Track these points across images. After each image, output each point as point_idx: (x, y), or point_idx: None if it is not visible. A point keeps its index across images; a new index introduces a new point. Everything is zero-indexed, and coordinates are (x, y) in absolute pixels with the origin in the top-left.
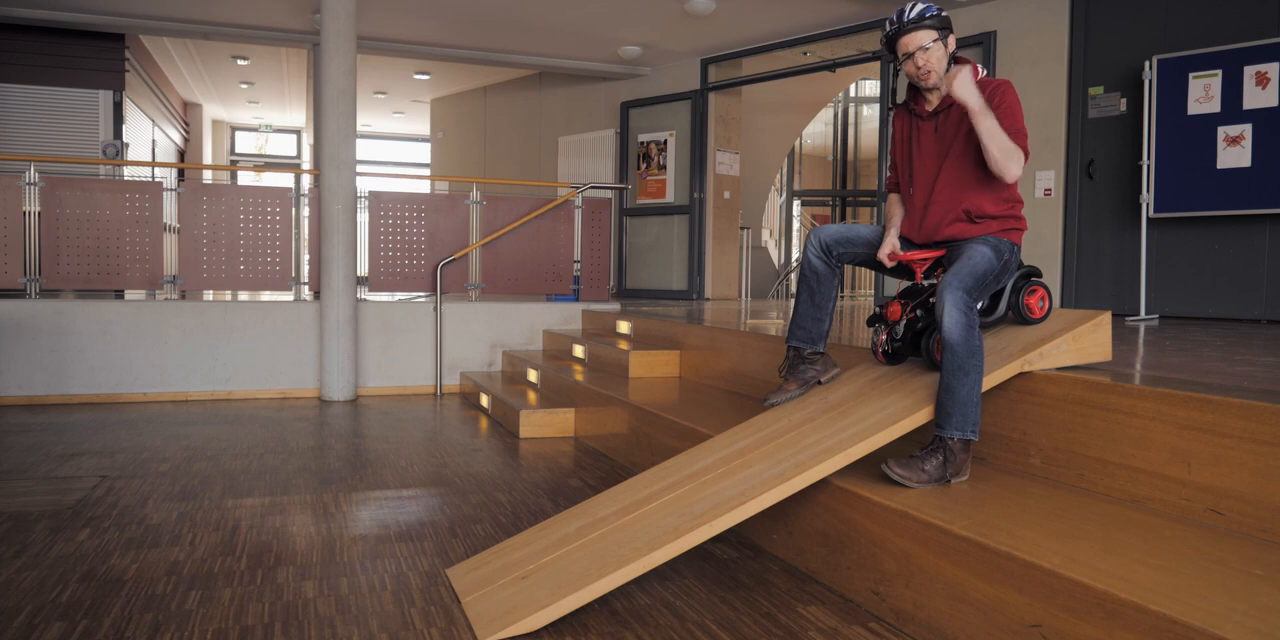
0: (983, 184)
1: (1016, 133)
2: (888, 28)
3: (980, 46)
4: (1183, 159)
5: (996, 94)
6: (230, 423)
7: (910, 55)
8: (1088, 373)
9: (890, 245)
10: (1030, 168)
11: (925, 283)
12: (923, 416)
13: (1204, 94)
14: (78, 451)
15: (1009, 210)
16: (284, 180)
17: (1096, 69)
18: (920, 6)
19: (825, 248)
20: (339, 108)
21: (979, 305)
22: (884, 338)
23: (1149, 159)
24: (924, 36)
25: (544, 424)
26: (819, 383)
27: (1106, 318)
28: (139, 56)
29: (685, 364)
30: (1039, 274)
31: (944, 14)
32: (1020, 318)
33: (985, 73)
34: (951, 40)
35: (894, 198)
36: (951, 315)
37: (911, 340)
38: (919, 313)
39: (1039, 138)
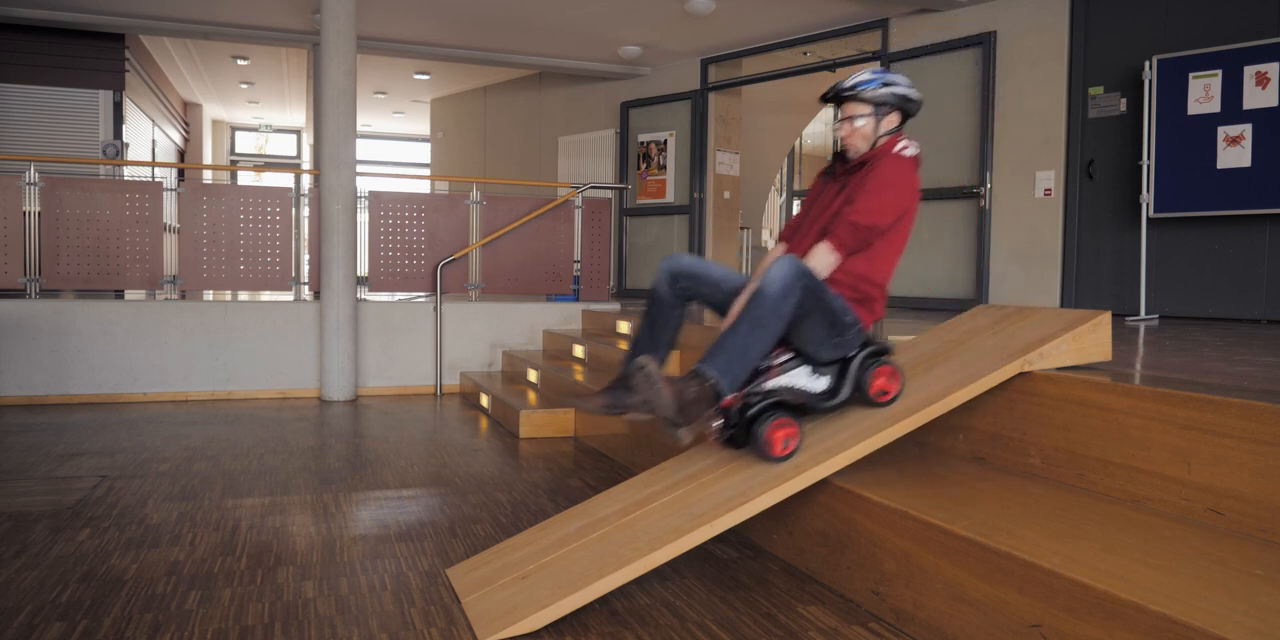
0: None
1: (864, 210)
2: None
3: (980, 46)
4: (1183, 159)
5: (875, 168)
6: (230, 423)
7: (840, 121)
8: (1088, 373)
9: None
10: (1030, 168)
11: (763, 364)
12: (922, 417)
13: (1204, 94)
14: (78, 451)
15: (863, 289)
16: (284, 180)
17: (1096, 69)
18: (861, 77)
19: (673, 277)
20: (339, 108)
21: (822, 383)
22: (719, 425)
23: (1149, 159)
24: (855, 108)
25: (544, 424)
26: (626, 412)
27: (1106, 318)
28: (139, 56)
29: (685, 364)
30: (889, 351)
31: (890, 90)
32: (866, 399)
33: (910, 150)
34: (891, 119)
35: (777, 248)
36: (780, 269)
37: (746, 425)
38: (752, 397)
39: (1039, 137)
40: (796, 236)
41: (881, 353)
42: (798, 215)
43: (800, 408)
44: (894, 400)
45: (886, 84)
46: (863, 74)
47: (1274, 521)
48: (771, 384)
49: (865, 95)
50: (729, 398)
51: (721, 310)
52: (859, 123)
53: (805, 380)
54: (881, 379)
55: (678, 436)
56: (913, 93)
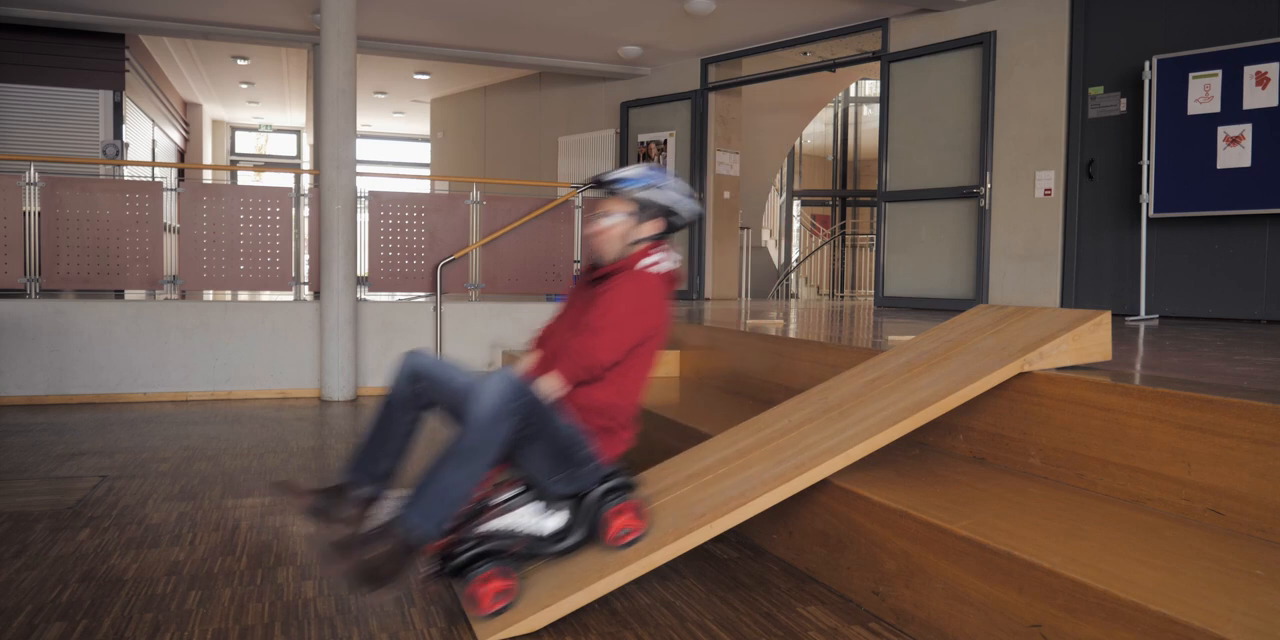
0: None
1: (591, 347)
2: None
3: (980, 46)
4: (1183, 159)
5: (615, 285)
6: (230, 423)
7: (594, 216)
8: (1088, 373)
9: None
10: (1030, 167)
11: (487, 501)
12: (922, 417)
13: (1204, 94)
14: (78, 451)
15: (601, 422)
16: (284, 180)
17: (1096, 69)
18: (628, 173)
19: (413, 376)
20: (339, 108)
21: (555, 523)
22: (430, 573)
23: (1149, 159)
24: (612, 205)
25: None
26: (337, 521)
27: (1106, 317)
28: (139, 56)
29: (685, 364)
30: (632, 487)
31: (650, 195)
32: (602, 543)
33: (664, 265)
34: (652, 225)
35: (528, 358)
36: (491, 389)
37: (451, 574)
38: (461, 544)
39: (1039, 137)
40: (548, 345)
41: (623, 489)
42: (551, 321)
43: (522, 552)
44: (635, 542)
45: (654, 186)
46: (634, 169)
47: (1274, 521)
48: (489, 527)
49: (625, 193)
50: (438, 542)
51: (460, 422)
52: (608, 221)
53: (532, 519)
54: (621, 519)
55: (378, 594)
56: (683, 205)
